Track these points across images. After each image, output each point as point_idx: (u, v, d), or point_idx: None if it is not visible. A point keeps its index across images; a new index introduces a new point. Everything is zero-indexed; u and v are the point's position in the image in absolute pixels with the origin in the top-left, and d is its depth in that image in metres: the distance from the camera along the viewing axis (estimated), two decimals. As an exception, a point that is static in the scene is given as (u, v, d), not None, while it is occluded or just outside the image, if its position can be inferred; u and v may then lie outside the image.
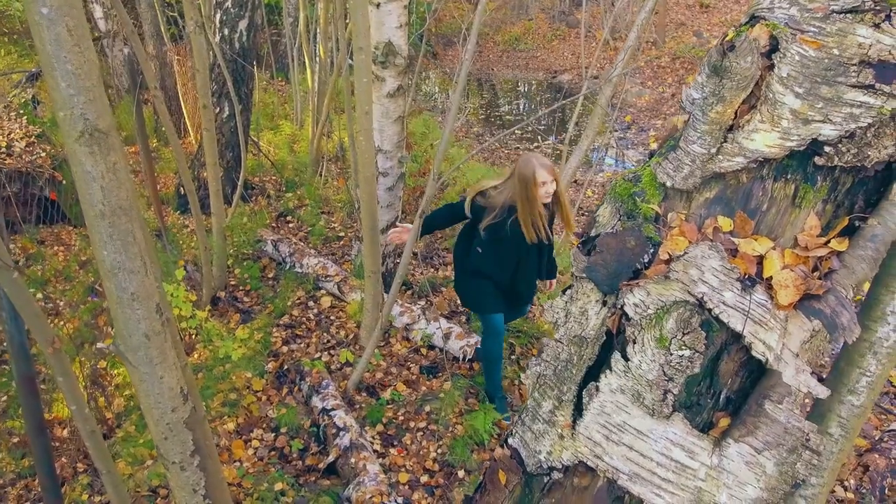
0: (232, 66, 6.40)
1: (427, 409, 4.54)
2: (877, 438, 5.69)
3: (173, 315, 4.56)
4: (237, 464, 4.07)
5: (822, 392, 1.41)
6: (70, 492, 4.11)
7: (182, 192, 6.96)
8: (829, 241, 1.39)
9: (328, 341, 5.13)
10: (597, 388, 1.36)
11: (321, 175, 7.03)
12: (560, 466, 1.40)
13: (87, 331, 5.48)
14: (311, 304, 5.47)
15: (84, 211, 2.01)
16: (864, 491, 5.07)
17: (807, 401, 1.51)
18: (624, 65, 5.75)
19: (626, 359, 1.35)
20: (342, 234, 6.44)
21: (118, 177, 2.04)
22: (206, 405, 4.43)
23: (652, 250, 1.42)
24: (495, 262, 4.09)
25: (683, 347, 1.32)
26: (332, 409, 4.25)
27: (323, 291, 5.59)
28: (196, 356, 4.95)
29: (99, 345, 2.49)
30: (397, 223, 5.47)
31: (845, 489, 5.21)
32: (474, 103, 15.39)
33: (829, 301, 1.30)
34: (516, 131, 12.43)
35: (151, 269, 2.30)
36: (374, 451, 4.18)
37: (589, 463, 1.36)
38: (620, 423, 1.35)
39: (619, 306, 1.39)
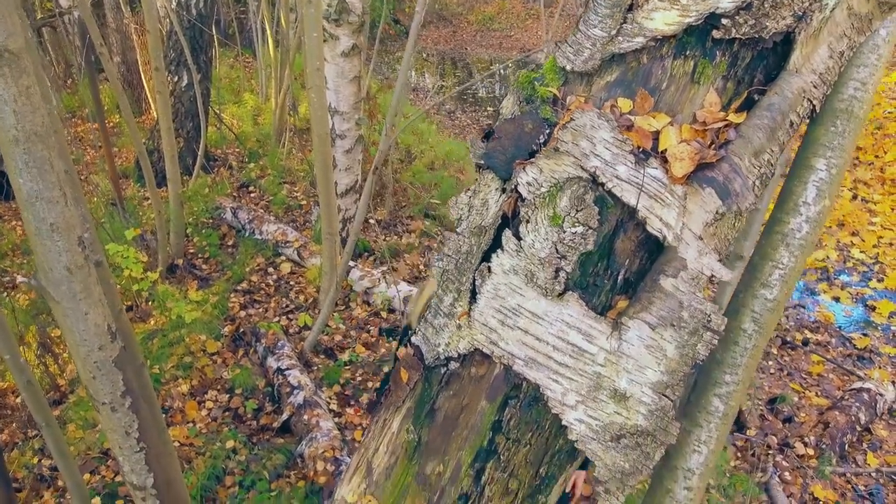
0: (189, 33, 6.28)
1: (386, 369, 4.50)
2: (838, 398, 5.74)
3: (107, 260, 4.48)
4: (190, 424, 4.01)
5: (726, 274, 1.38)
6: (20, 456, 4.04)
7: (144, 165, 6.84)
8: (727, 116, 1.35)
9: (287, 306, 5.07)
10: (489, 270, 1.32)
11: (284, 146, 6.95)
12: (457, 356, 1.36)
13: (42, 303, 5.39)
14: (270, 270, 5.41)
15: (-1, 139, 1.94)
16: (823, 447, 5.11)
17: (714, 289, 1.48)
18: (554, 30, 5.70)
19: (519, 238, 1.31)
20: (304, 202, 6.37)
21: (32, 101, 1.97)
22: (160, 368, 4.37)
23: (548, 131, 1.37)
24: None
25: (576, 224, 1.28)
26: (287, 369, 4.20)
27: (283, 258, 5.53)
28: (152, 322, 4.88)
29: (19, 278, 2.41)
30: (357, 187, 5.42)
31: (805, 445, 5.25)
32: (448, 83, 15.32)
33: (722, 169, 1.26)
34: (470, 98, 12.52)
35: (74, 201, 2.23)
36: (331, 410, 4.14)
37: (485, 350, 1.32)
38: (515, 306, 1.31)
39: (514, 187, 1.35)
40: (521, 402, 1.33)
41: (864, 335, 6.94)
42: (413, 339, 1.49)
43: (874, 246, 8.89)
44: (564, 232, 1.28)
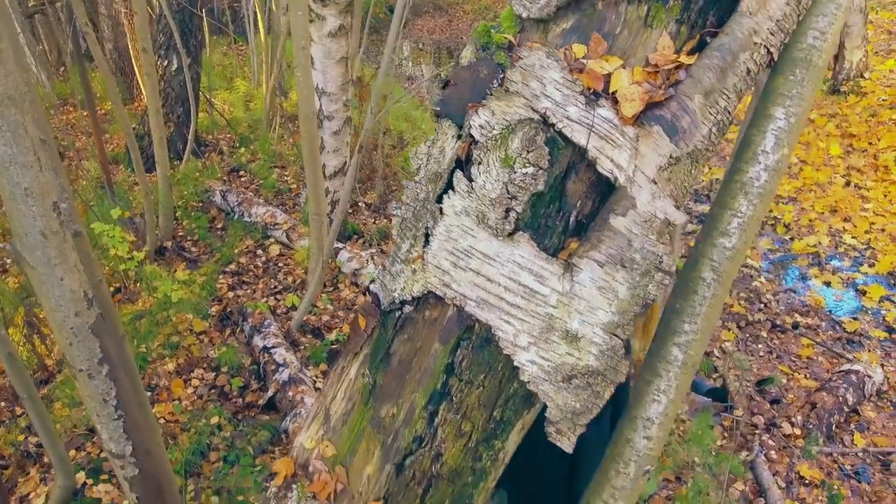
0: (178, 17, 6.27)
1: (372, 348, 4.50)
2: (826, 379, 5.75)
3: (95, 241, 4.48)
4: (176, 402, 4.02)
5: (679, 218, 1.39)
6: (6, 434, 4.05)
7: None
8: (678, 58, 1.36)
9: (275, 287, 5.08)
10: (441, 211, 1.33)
11: (274, 130, 6.95)
12: (411, 299, 1.37)
13: (31, 285, 5.40)
14: (259, 252, 5.41)
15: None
16: (810, 427, 5.12)
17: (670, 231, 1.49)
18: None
19: (471, 180, 1.31)
20: (294, 185, 6.37)
21: (5, 66, 1.98)
22: (147, 347, 4.38)
23: (502, 76, 1.38)
24: None
25: (527, 165, 1.28)
26: (273, 347, 4.21)
27: (272, 240, 5.53)
28: (140, 304, 4.89)
29: (-4, 244, 2.42)
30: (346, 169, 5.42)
31: (792, 425, 5.26)
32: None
33: (670, 107, 1.27)
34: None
35: (52, 170, 2.24)
36: (317, 388, 4.15)
37: (437, 292, 1.33)
38: (467, 247, 1.32)
39: (468, 130, 1.35)
40: (474, 343, 1.33)
41: (854, 319, 6.95)
42: (371, 287, 1.50)
43: (866, 232, 8.89)
44: (515, 173, 1.28)
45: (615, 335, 1.31)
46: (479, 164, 1.32)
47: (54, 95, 8.20)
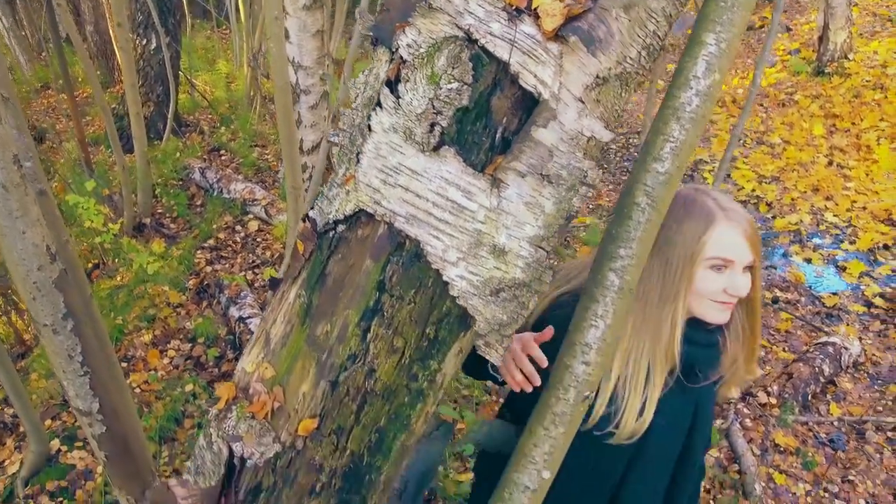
0: (157, -4, 6.26)
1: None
2: (803, 352, 5.81)
3: (70, 215, 4.48)
4: (152, 372, 4.05)
5: (606, 135, 1.41)
6: (-19, 406, 4.07)
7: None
8: (602, -23, 1.38)
9: (253, 261, 5.10)
10: (369, 128, 1.35)
11: (255, 110, 6.95)
12: (343, 218, 1.39)
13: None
14: (237, 227, 5.43)
15: None
16: (786, 396, 5.17)
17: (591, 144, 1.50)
18: None
19: (398, 96, 1.33)
20: (274, 163, 6.39)
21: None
22: (123, 319, 4.40)
23: (432, -3, 1.40)
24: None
25: (452, 81, 1.31)
26: (249, 317, 4.24)
27: (250, 216, 5.55)
28: (119, 279, 4.90)
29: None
30: (326, 141, 5.42)
31: (768, 395, 5.32)
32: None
33: (588, 18, 1.29)
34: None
35: (13, 125, 2.25)
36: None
37: (368, 209, 1.35)
38: (396, 164, 1.34)
39: (397, 51, 1.38)
40: (404, 259, 1.36)
41: (834, 294, 7.01)
42: (310, 213, 1.52)
43: (847, 210, 8.95)
44: (441, 89, 1.31)
45: (541, 247, 1.34)
46: (407, 81, 1.34)
47: (35, 79, 8.18)
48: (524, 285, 1.34)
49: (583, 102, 1.36)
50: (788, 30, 14.36)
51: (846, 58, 12.12)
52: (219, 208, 5.51)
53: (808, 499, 4.38)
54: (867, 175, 9.53)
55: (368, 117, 1.37)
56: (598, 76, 1.36)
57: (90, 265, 5.01)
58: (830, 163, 10.12)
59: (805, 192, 9.47)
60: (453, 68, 1.30)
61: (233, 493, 1.39)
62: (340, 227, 1.41)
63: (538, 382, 1.47)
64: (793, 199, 9.28)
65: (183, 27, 8.73)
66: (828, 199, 9.34)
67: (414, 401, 1.44)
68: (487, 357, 1.40)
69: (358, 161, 1.38)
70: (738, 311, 1.61)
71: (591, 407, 1.51)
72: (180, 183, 5.94)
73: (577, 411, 1.45)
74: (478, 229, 1.34)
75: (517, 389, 1.55)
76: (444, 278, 1.34)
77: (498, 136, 1.35)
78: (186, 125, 7.10)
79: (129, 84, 5.09)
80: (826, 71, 12.11)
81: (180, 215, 5.53)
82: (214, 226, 5.36)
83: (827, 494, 4.42)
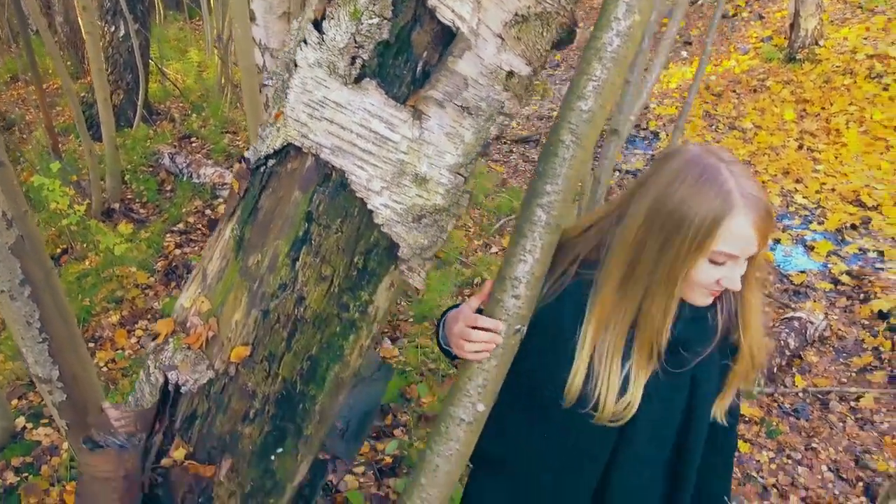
0: (124, -18, 6.25)
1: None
2: (769, 327, 5.91)
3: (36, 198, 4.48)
4: (119, 351, 4.06)
5: (525, 69, 1.46)
6: (-52, 387, 4.07)
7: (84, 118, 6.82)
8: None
9: (223, 244, 5.12)
10: (295, 64, 1.39)
11: (227, 97, 6.96)
12: (273, 152, 1.44)
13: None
14: (207, 211, 5.45)
15: None
16: (752, 369, 5.26)
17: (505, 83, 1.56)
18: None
19: (322, 32, 1.38)
20: (244, 148, 6.40)
21: None
22: (91, 301, 4.41)
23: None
24: (538, 445, 1.57)
25: (373, 16, 1.35)
26: (216, 296, 4.26)
27: (220, 200, 5.57)
28: (87, 263, 4.91)
29: None
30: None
31: (734, 367, 5.41)
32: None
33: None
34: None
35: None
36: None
37: (296, 143, 1.40)
38: (321, 98, 1.39)
39: (321, -12, 1.42)
40: (330, 189, 1.40)
41: (802, 272, 7.12)
42: (245, 154, 1.57)
43: (817, 192, 9.07)
44: (362, 24, 1.35)
45: (459, 174, 1.39)
46: (332, 19, 1.38)
47: (5, 71, 8.14)
48: (444, 210, 1.39)
49: (502, 38, 1.41)
50: (761, 17, 14.50)
51: (817, 44, 12.27)
52: (188, 193, 5.53)
53: (773, 465, 4.46)
54: (836, 158, 9.66)
55: (295, 54, 1.41)
56: (517, 14, 1.41)
57: (59, 250, 5.01)
58: (801, 146, 10.25)
59: (776, 175, 9.59)
60: (374, 4, 1.35)
61: (167, 418, 1.43)
62: (271, 162, 1.46)
63: (491, 347, 1.39)
64: (764, 182, 9.40)
65: (154, 17, 8.71)
66: (798, 181, 9.46)
67: (346, 331, 1.49)
68: (410, 281, 1.45)
69: (286, 97, 1.42)
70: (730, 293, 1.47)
71: (565, 382, 1.42)
72: (150, 169, 5.95)
73: (508, 344, 1.49)
74: (401, 159, 1.38)
75: (471, 359, 1.43)
76: (369, 207, 1.39)
77: (419, 69, 1.39)
78: (157, 113, 7.10)
79: (95, 69, 5.09)
80: (797, 57, 12.24)
81: (150, 200, 5.55)
82: (184, 210, 5.37)
83: (790, 461, 4.51)
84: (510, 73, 1.43)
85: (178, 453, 1.39)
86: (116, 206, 5.42)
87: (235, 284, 1.46)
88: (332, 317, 1.46)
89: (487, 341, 1.39)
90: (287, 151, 1.44)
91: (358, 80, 1.36)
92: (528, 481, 1.56)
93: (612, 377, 1.40)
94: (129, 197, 5.67)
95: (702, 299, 1.40)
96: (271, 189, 1.46)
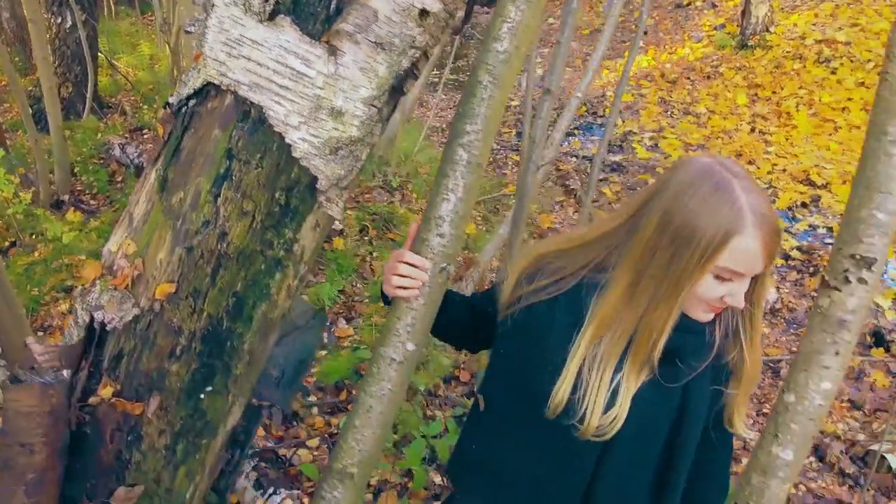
0: (70, -29, 6.16)
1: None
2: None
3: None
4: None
5: (436, 6, 1.50)
6: None
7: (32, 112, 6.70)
8: None
9: (176, 231, 5.08)
10: (212, 4, 1.41)
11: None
12: (193, 92, 1.45)
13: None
14: (160, 200, 5.41)
15: None
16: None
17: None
18: None
19: (235, -30, 1.40)
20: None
21: None
22: (39, 290, 4.36)
23: None
24: (521, 451, 1.52)
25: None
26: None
27: (173, 188, 5.53)
28: (37, 254, 4.85)
29: None
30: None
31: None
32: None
33: None
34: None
35: None
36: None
37: (215, 81, 1.42)
38: (238, 37, 1.41)
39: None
40: (249, 125, 1.43)
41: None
42: (169, 99, 1.58)
43: (768, 172, 9.26)
44: (274, -41, 1.38)
45: (373, 105, 1.42)
46: (246, -44, 1.40)
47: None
48: (359, 141, 1.43)
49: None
50: (714, 6, 14.75)
51: (768, 31, 12.53)
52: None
53: (725, 431, 4.56)
54: (787, 139, 9.89)
55: (210, -6, 1.43)
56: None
57: (7, 243, 4.94)
58: (753, 129, 10.47)
59: (729, 157, 9.73)
60: (283, -61, 1.38)
61: (93, 356, 1.44)
62: (192, 103, 1.47)
63: (418, 284, 1.41)
64: (717, 164, 9.54)
65: (103, 10, 8.61)
66: (750, 162, 9.64)
67: (272, 269, 1.51)
68: (329, 212, 1.48)
69: (205, 37, 1.44)
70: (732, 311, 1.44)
71: (549, 389, 1.38)
72: (101, 160, 5.89)
73: (435, 283, 1.52)
74: (317, 94, 1.41)
75: (398, 296, 1.45)
76: (288, 141, 1.41)
77: (333, 6, 1.42)
78: (109, 107, 7.02)
79: (40, 58, 5.02)
80: (749, 44, 12.49)
81: (100, 192, 5.49)
82: (136, 199, 5.33)
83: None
84: (423, 12, 1.46)
85: (105, 391, 1.40)
86: (66, 197, 5.35)
87: (160, 224, 1.47)
88: (257, 254, 1.48)
89: (414, 277, 1.41)
90: (207, 91, 1.46)
91: (273, 17, 1.38)
92: (510, 489, 1.52)
93: (600, 388, 1.36)
94: (78, 189, 5.60)
95: (703, 315, 1.38)
96: (193, 129, 1.48)
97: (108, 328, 1.44)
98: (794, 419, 1.00)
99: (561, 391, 1.37)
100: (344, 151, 1.42)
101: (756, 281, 1.37)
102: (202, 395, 1.50)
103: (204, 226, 1.44)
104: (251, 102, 1.42)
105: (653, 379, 1.38)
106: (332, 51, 1.41)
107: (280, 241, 1.50)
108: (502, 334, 1.52)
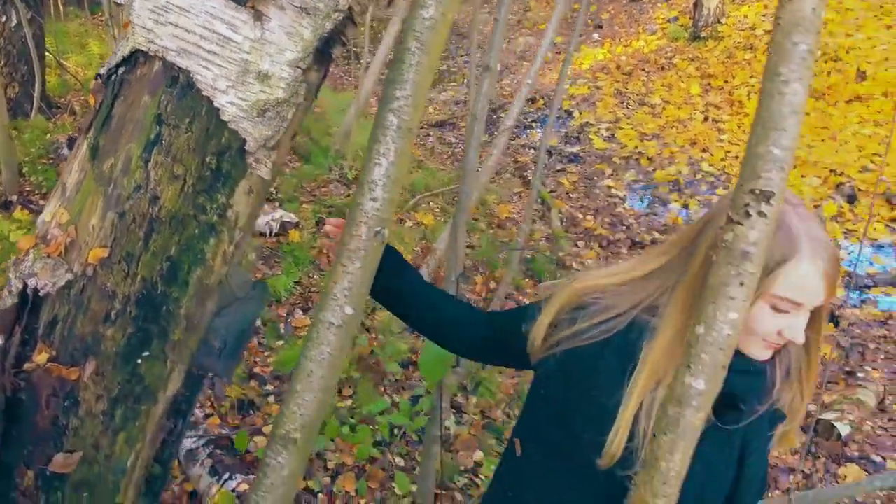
0: (14, -30, 6.06)
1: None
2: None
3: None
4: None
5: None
6: None
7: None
8: None
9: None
10: (135, -24, 1.43)
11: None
12: (122, 60, 1.47)
13: None
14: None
15: None
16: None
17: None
18: None
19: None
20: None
21: None
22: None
23: None
24: (561, 499, 1.41)
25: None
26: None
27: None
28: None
29: None
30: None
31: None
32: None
33: None
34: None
35: None
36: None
37: (143, 48, 1.44)
38: (164, 4, 1.43)
39: None
40: (177, 90, 1.45)
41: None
42: (100, 70, 1.59)
43: (722, 159, 9.44)
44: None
45: (298, 67, 1.46)
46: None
47: None
48: (286, 102, 1.46)
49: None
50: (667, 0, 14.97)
51: (719, 22, 12.77)
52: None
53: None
54: (739, 127, 10.09)
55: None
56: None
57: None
58: (706, 118, 10.66)
59: (683, 146, 9.92)
60: None
61: (25, 322, 1.45)
62: (121, 70, 1.49)
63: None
64: (672, 153, 9.73)
65: (50, 9, 8.48)
66: (704, 150, 9.82)
67: (206, 234, 1.53)
68: (258, 173, 1.51)
69: (133, 5, 1.46)
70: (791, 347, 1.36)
71: (598, 437, 1.28)
72: (50, 161, 5.81)
73: (370, 247, 1.55)
74: (244, 58, 1.44)
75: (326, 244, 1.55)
76: (216, 105, 1.44)
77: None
78: (57, 107, 6.91)
79: (-16, 56, 4.95)
80: (701, 35, 12.72)
81: (49, 191, 5.42)
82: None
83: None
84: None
85: (40, 357, 1.41)
86: (14, 198, 5.28)
87: (92, 191, 1.48)
88: (190, 218, 1.50)
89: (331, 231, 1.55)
90: (136, 58, 1.48)
91: (197, -16, 1.40)
92: None
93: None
94: (27, 189, 5.53)
95: (760, 352, 1.30)
96: (123, 97, 1.49)
97: (41, 294, 1.45)
98: (705, 350, 1.05)
99: (617, 440, 1.27)
100: (271, 113, 1.45)
101: (815, 315, 1.29)
102: (139, 361, 1.51)
103: (135, 190, 1.46)
104: (179, 68, 1.44)
105: (712, 426, 1.26)
106: (258, 16, 1.44)
107: (213, 206, 1.52)
108: (543, 376, 1.44)
